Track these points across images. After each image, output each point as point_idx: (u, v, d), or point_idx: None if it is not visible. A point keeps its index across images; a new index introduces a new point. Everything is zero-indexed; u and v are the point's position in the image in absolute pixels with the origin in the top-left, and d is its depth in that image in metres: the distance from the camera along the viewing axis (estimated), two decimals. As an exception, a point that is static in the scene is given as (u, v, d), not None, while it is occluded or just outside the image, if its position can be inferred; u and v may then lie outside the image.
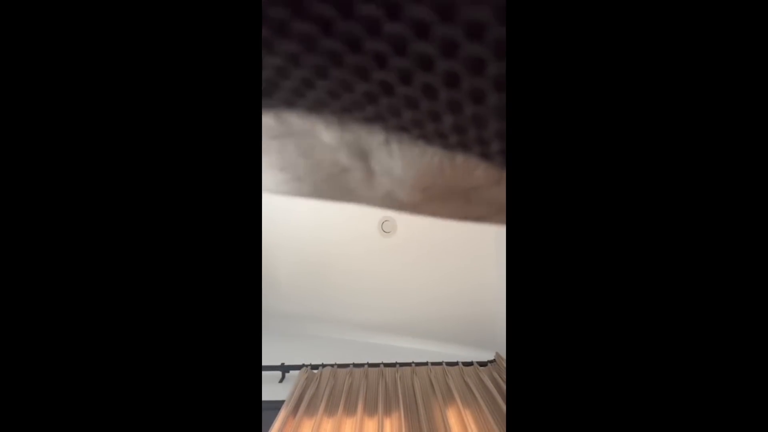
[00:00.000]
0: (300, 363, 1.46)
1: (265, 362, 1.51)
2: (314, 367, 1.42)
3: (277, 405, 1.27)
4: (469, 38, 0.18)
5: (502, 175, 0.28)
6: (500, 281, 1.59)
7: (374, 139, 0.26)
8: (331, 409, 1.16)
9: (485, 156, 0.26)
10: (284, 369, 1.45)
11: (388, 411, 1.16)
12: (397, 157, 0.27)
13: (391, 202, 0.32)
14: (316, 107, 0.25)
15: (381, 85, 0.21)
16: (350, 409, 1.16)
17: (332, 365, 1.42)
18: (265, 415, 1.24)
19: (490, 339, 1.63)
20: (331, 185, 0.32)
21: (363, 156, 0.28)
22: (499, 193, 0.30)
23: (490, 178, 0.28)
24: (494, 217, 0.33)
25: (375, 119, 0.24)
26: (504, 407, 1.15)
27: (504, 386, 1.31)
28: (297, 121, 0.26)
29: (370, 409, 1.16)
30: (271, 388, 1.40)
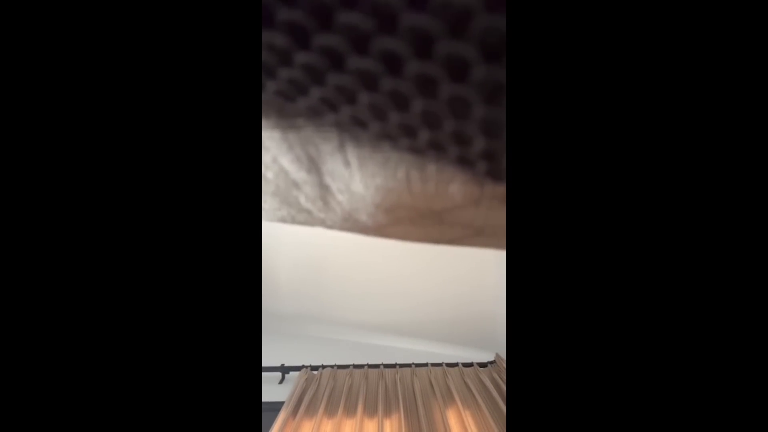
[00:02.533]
0: (300, 364, 1.46)
1: (264, 363, 1.51)
2: (314, 368, 1.42)
3: (276, 406, 1.27)
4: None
5: (483, 191, 0.23)
6: (500, 282, 1.59)
7: (327, 144, 0.22)
8: (330, 410, 1.15)
9: (464, 162, 0.21)
10: (284, 370, 1.45)
11: (387, 412, 1.16)
12: (355, 168, 0.22)
13: (352, 224, 0.27)
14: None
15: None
16: (350, 410, 1.16)
17: (332, 366, 1.42)
18: (264, 416, 1.24)
19: (489, 340, 1.63)
20: (281, 203, 0.26)
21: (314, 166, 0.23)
22: (478, 215, 0.24)
23: (468, 196, 0.23)
24: (470, 239, 0.28)
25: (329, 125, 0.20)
26: (504, 408, 1.15)
27: (504, 387, 1.31)
28: None
29: (370, 410, 1.16)
30: (271, 389, 1.40)
